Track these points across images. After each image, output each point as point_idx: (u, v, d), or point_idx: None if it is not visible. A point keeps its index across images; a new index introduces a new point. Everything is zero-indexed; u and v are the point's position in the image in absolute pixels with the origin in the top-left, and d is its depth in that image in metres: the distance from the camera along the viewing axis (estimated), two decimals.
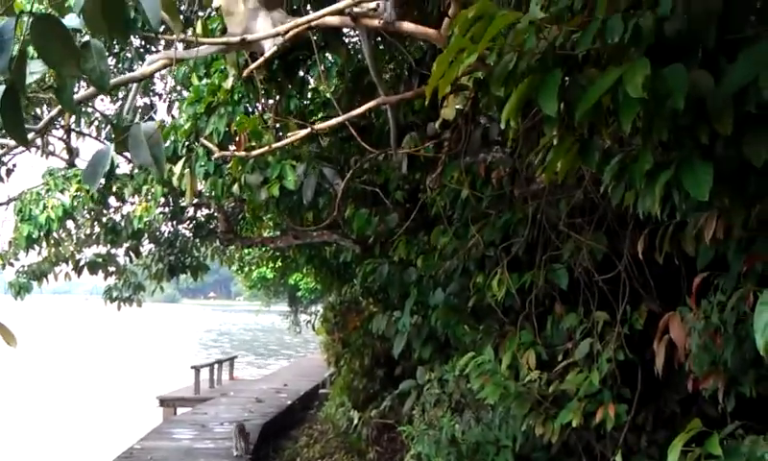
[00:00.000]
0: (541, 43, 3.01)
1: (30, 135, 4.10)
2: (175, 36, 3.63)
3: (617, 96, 2.75)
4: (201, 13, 6.71)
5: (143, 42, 11.46)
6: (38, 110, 10.88)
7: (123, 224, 12.80)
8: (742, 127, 2.80)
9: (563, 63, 3.03)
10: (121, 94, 12.66)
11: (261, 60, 4.66)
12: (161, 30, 4.71)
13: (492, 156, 6.85)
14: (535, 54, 3.01)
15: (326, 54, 7.01)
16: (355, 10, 4.37)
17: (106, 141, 12.62)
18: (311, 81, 7.90)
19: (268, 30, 4.65)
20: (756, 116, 2.75)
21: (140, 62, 11.80)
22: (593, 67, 3.09)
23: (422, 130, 6.94)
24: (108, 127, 12.58)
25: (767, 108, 2.56)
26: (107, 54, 2.89)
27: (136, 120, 11.65)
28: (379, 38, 6.11)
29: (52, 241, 12.56)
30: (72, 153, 12.24)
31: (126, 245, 13.66)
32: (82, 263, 14.27)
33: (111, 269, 14.93)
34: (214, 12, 6.33)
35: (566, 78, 3.04)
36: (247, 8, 4.93)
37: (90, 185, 3.14)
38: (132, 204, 12.66)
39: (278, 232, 13.17)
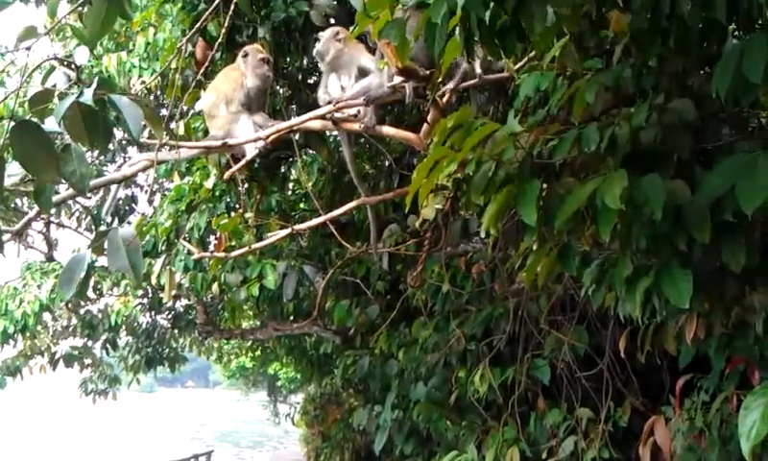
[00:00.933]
0: (519, 152, 3.04)
1: (6, 237, 4.07)
2: (157, 142, 3.65)
3: (595, 204, 2.76)
4: (185, 108, 6.77)
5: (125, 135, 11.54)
6: (19, 201, 10.83)
7: (100, 317, 12.67)
8: (719, 233, 2.82)
9: (541, 172, 3.06)
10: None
11: (242, 162, 4.68)
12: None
13: (472, 246, 6.87)
14: (513, 162, 3.04)
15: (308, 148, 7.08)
16: (336, 115, 4.44)
17: (85, 233, 12.58)
18: (293, 173, 7.96)
19: (250, 133, 4.70)
20: (733, 224, 2.77)
21: (122, 154, 11.89)
22: (571, 175, 3.13)
23: (403, 223, 6.97)
24: (88, 218, 12.53)
25: (744, 216, 2.58)
26: (87, 153, 2.88)
27: (117, 214, 11.64)
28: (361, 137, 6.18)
29: (28, 335, 12.37)
30: (51, 246, 12.17)
31: (103, 338, 13.49)
32: (57, 356, 14.04)
33: (87, 361, 14.70)
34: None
35: (545, 185, 3.07)
36: (229, 111, 5.00)
37: (65, 292, 3.10)
38: (111, 295, 12.55)
39: (258, 323, 13.04)
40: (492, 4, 2.51)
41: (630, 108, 3.26)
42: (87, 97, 2.61)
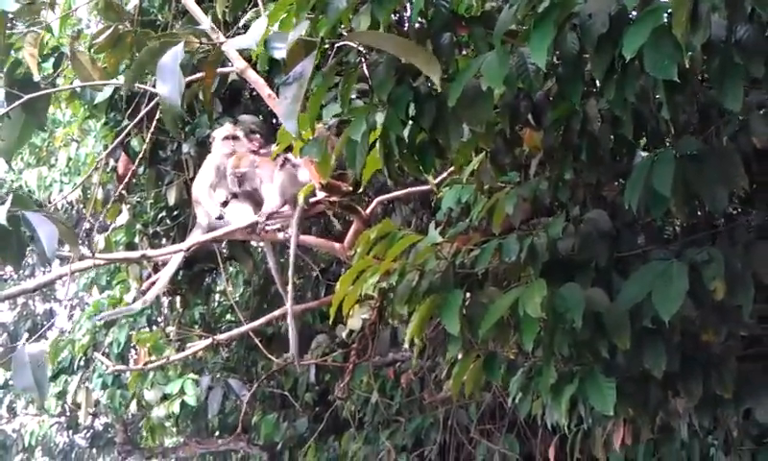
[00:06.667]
0: (442, 263, 3.07)
1: None
2: (72, 255, 3.55)
3: (518, 313, 2.78)
4: (108, 222, 6.66)
5: None
6: None
7: (14, 438, 12.08)
8: (640, 340, 2.87)
9: (463, 281, 3.09)
10: (21, 300, 12.32)
11: (163, 281, 4.56)
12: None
13: (401, 355, 6.82)
14: (436, 273, 3.06)
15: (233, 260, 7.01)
16: (260, 225, 4.45)
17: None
18: (219, 285, 7.84)
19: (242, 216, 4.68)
20: (652, 330, 2.82)
21: (41, 268, 11.60)
22: (494, 284, 3.17)
23: (331, 333, 6.90)
24: (5, 335, 12.11)
25: (662, 322, 2.63)
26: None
27: (34, 330, 11.26)
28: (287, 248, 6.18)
29: None
30: None
31: (17, 459, 12.79)
32: None
33: None
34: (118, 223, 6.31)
35: (468, 294, 3.10)
36: (213, 197, 4.94)
37: None
38: (25, 414, 12.00)
39: (182, 439, 12.54)
40: (409, 122, 2.58)
41: (548, 217, 3.35)
42: (0, 216, 2.54)
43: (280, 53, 2.28)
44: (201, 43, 2.79)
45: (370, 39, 2.53)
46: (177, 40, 2.64)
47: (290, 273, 4.54)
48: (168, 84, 2.49)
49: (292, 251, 4.43)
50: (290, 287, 4.61)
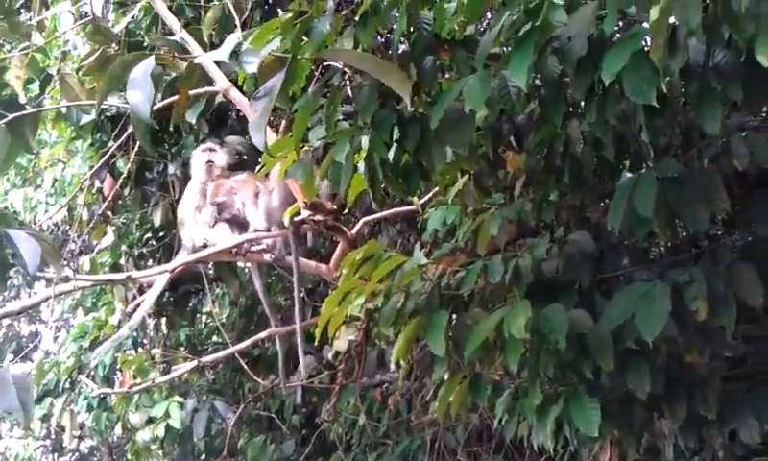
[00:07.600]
0: (427, 284, 3.08)
1: None
2: (55, 275, 3.54)
3: (503, 334, 2.79)
4: (94, 243, 6.63)
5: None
6: None
7: None
8: (624, 361, 2.88)
9: (449, 303, 3.10)
10: (5, 322, 12.23)
11: (148, 303, 4.55)
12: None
13: (389, 376, 6.81)
14: (421, 294, 3.07)
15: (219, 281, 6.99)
16: (245, 245, 4.45)
17: None
18: (206, 306, 7.82)
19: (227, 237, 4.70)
20: (636, 351, 2.84)
21: (28, 290, 11.54)
22: (479, 305, 3.18)
23: (319, 355, 6.87)
24: None
25: (645, 343, 2.65)
26: None
27: (20, 351, 11.16)
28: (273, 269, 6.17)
29: None
30: None
31: None
32: None
33: None
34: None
35: (453, 315, 3.10)
36: (197, 219, 4.97)
37: None
38: (10, 437, 11.88)
39: None
40: (394, 145, 2.60)
41: (533, 238, 3.37)
42: None
43: (252, 67, 2.28)
44: (174, 56, 2.77)
45: (345, 57, 2.55)
46: (150, 53, 2.63)
47: (295, 294, 4.57)
48: (138, 95, 2.44)
49: (295, 275, 4.45)
50: (297, 307, 4.63)
